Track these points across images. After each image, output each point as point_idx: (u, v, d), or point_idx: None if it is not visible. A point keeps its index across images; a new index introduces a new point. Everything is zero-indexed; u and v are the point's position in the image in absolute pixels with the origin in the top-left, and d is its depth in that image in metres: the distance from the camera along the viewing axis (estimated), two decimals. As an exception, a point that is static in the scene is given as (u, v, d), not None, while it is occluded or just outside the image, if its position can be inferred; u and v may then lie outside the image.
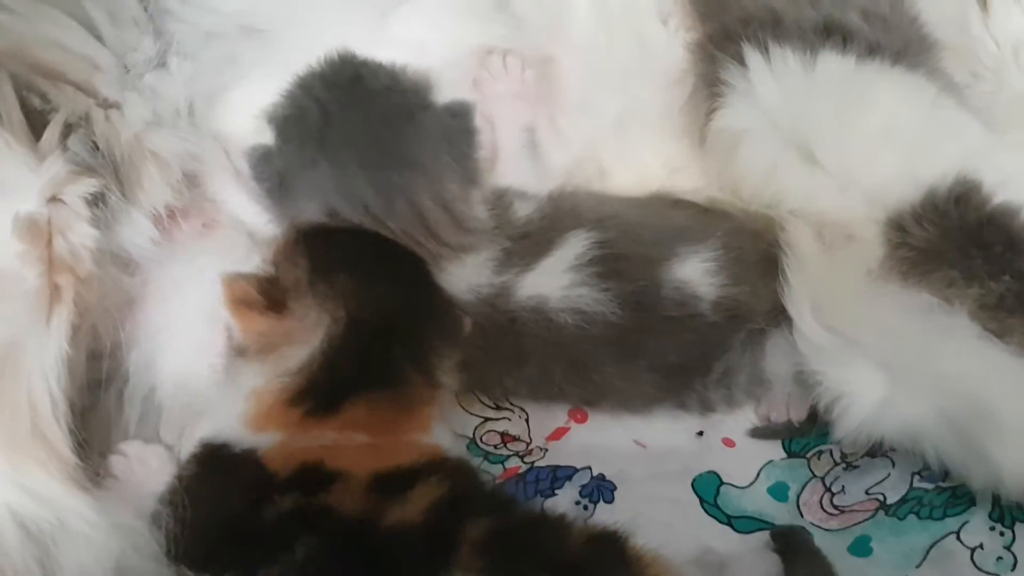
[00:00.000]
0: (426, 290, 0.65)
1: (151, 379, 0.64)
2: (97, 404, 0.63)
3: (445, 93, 0.71)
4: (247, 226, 0.70)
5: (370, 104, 0.68)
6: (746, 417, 0.75)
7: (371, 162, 0.67)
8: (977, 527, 0.64)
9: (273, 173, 0.68)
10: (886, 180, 0.65)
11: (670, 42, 0.78)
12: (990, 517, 0.64)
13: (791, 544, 0.64)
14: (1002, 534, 0.63)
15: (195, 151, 0.67)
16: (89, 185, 0.60)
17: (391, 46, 0.72)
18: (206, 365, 0.66)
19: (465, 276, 0.69)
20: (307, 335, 0.59)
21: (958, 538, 0.63)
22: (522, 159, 0.77)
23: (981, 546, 0.63)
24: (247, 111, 0.68)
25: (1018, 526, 0.63)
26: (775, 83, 0.70)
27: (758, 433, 0.74)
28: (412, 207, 0.67)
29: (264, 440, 0.58)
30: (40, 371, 0.57)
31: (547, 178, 0.78)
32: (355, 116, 0.68)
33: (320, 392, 0.58)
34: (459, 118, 0.70)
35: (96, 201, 0.60)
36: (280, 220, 0.69)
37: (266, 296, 0.60)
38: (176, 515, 0.56)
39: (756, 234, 0.74)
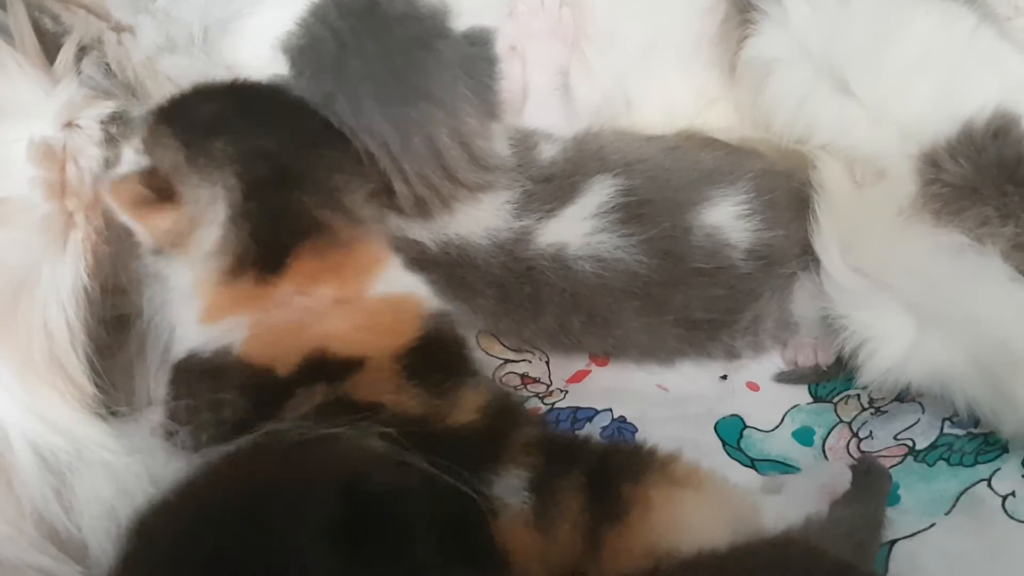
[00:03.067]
0: (308, 128, 0.63)
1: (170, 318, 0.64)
2: (120, 341, 0.63)
3: (466, 20, 0.69)
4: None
5: (386, 33, 0.67)
6: (772, 361, 0.75)
7: (387, 96, 0.66)
8: (1009, 474, 0.63)
9: None
10: (921, 112, 0.64)
11: None
12: (1023, 464, 0.63)
13: (873, 473, 0.62)
14: (1035, 481, 0.63)
15: (210, 77, 0.66)
16: (105, 107, 0.60)
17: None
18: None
19: (481, 218, 0.68)
20: (209, 213, 0.57)
21: (989, 485, 0.63)
22: (553, 102, 0.77)
23: (1013, 493, 0.62)
24: (262, 39, 0.68)
25: (1051, 473, 0.62)
26: (809, 9, 0.69)
27: (784, 377, 0.74)
28: (429, 144, 0.66)
29: (230, 332, 0.56)
30: (56, 298, 0.58)
31: (576, 119, 0.77)
32: (371, 46, 0.67)
33: (257, 254, 0.57)
34: (479, 46, 0.69)
35: (113, 122, 0.60)
36: None
37: (154, 190, 0.58)
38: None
39: (788, 174, 0.73)
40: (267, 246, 0.57)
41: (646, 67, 0.78)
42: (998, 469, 0.63)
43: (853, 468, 0.60)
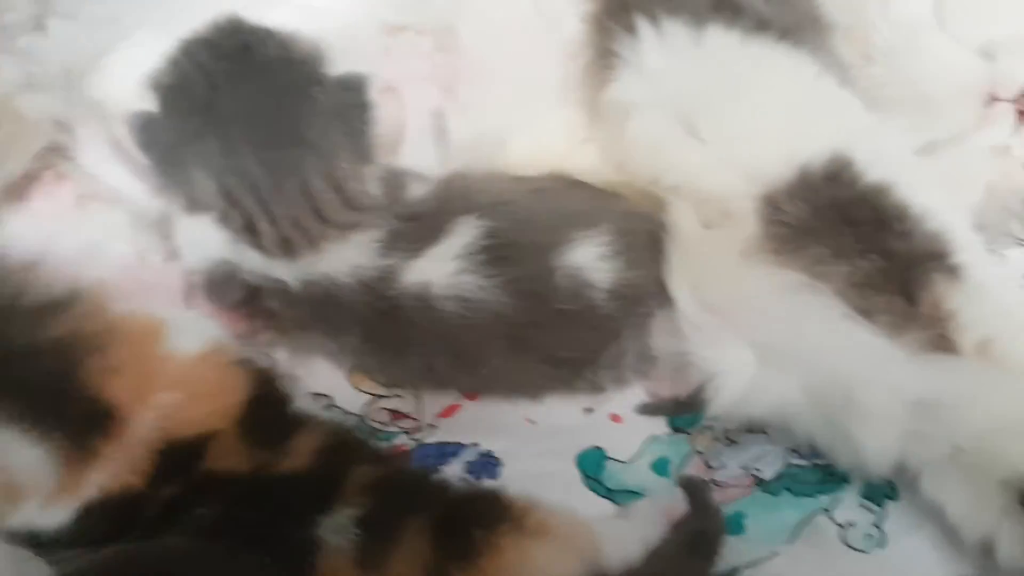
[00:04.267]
0: None
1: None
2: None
3: (341, 64, 0.71)
4: (126, 199, 0.69)
5: (260, 76, 0.68)
6: (635, 393, 0.77)
7: (260, 139, 0.67)
8: (848, 504, 0.67)
9: (159, 144, 0.67)
10: (763, 156, 0.67)
11: (571, 13, 0.78)
12: (861, 495, 0.67)
13: (699, 489, 0.66)
14: (872, 512, 0.67)
15: (70, 117, 0.66)
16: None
17: (286, 8, 0.72)
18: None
19: (348, 256, 0.69)
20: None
21: (829, 515, 0.66)
22: (428, 142, 0.78)
23: (851, 523, 0.66)
24: (130, 75, 0.67)
25: (888, 504, 0.66)
26: (663, 55, 0.71)
27: (645, 409, 0.76)
28: (302, 187, 0.67)
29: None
30: None
31: (450, 159, 0.79)
32: (244, 89, 0.67)
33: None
34: (353, 91, 0.70)
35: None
36: (170, 192, 0.68)
37: None
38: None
39: (649, 216, 0.75)
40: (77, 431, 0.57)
41: (518, 108, 0.80)
42: (838, 499, 0.67)
43: (683, 487, 0.62)
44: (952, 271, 0.63)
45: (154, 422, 0.58)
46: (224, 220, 0.66)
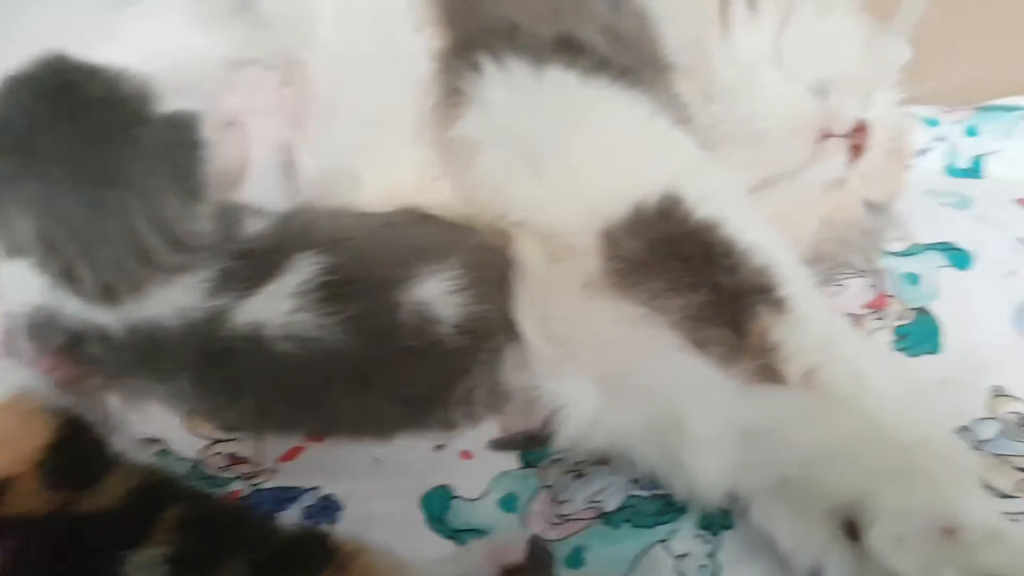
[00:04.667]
0: None
1: None
2: None
3: (178, 100, 0.68)
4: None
5: (83, 116, 0.65)
6: (488, 429, 0.76)
7: (81, 180, 0.64)
8: (685, 535, 0.67)
9: None
10: (600, 193, 0.68)
11: (421, 50, 0.78)
12: (698, 525, 0.68)
13: (541, 557, 0.65)
14: (707, 542, 0.67)
15: None
16: None
17: (120, 45, 0.69)
18: None
19: (175, 298, 0.66)
20: None
21: (666, 546, 0.67)
22: (273, 178, 0.77)
23: (687, 554, 0.66)
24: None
25: (724, 534, 0.67)
26: (506, 94, 0.72)
27: (497, 444, 0.76)
28: (125, 229, 0.64)
29: None
30: None
31: (299, 195, 0.78)
32: (66, 129, 0.64)
33: None
34: (182, 130, 0.67)
35: None
36: None
37: None
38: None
39: (499, 249, 0.75)
40: None
41: (370, 144, 0.79)
42: (675, 530, 0.67)
43: (529, 542, 0.62)
44: (777, 304, 0.64)
45: None
46: (43, 265, 0.63)
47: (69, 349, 0.66)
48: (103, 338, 0.66)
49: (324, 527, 0.66)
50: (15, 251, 0.63)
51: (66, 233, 0.62)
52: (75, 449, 0.59)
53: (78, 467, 0.57)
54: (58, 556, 0.52)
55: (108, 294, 0.64)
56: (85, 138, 0.64)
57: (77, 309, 0.65)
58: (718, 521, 0.67)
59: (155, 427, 0.72)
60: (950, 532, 0.56)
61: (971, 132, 1.11)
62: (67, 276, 0.63)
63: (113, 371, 0.68)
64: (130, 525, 0.55)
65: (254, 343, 0.67)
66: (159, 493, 0.58)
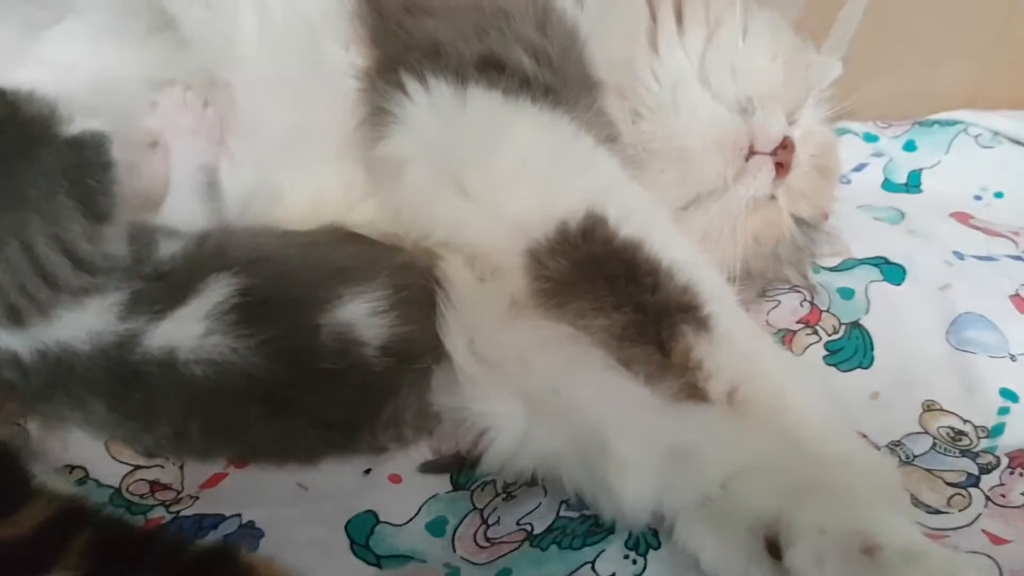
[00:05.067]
0: None
1: None
2: None
3: (92, 122, 0.66)
4: None
5: None
6: (419, 451, 0.76)
7: None
8: (612, 556, 0.67)
9: None
10: (524, 213, 0.68)
11: (345, 69, 0.78)
12: (626, 545, 0.67)
13: None
14: (635, 562, 0.67)
15: None
16: None
17: (35, 67, 0.69)
18: None
19: (85, 322, 0.65)
20: None
21: (593, 568, 0.66)
22: (195, 197, 0.76)
23: (614, 574, 0.65)
24: None
25: (651, 554, 0.66)
26: (430, 114, 0.72)
27: (427, 467, 0.75)
28: (26, 252, 0.62)
29: None
30: None
31: (222, 214, 0.77)
32: None
33: None
34: (88, 151, 0.65)
35: None
36: None
37: None
38: None
39: (426, 269, 0.75)
40: None
41: (294, 162, 0.79)
42: (603, 551, 0.66)
43: None
44: (700, 322, 0.65)
45: None
46: (-53, 289, 0.62)
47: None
48: (14, 363, 0.64)
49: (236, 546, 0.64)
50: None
51: None
52: None
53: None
54: None
55: (14, 317, 0.63)
56: (-17, 160, 0.62)
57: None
58: (645, 541, 0.66)
59: (77, 454, 0.70)
60: (869, 551, 0.55)
61: (909, 147, 1.13)
62: None
63: (28, 397, 0.67)
64: (41, 552, 0.55)
65: (167, 367, 0.66)
66: (72, 520, 0.57)
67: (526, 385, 0.68)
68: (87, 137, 0.64)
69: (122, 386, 0.66)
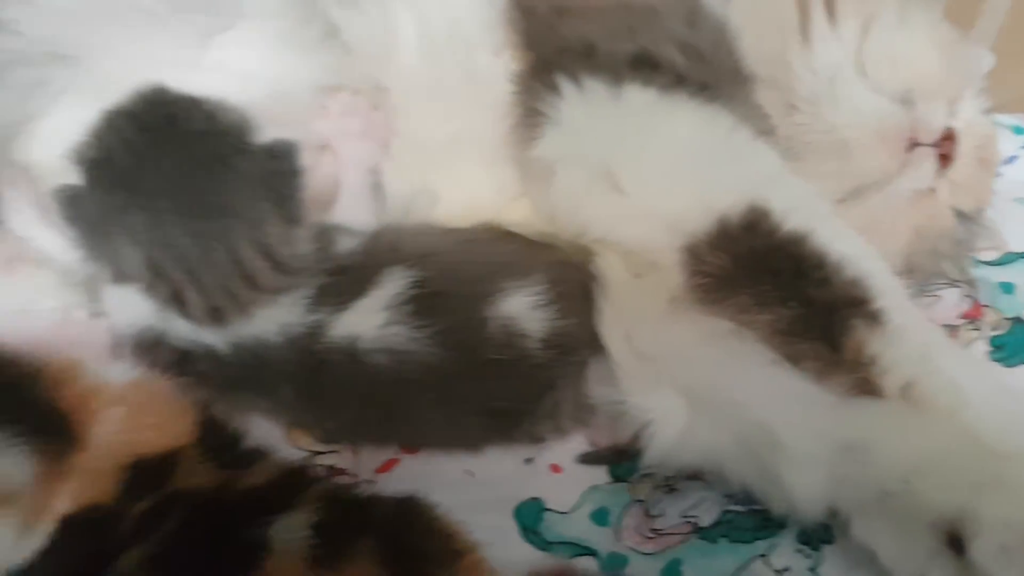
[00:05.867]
0: None
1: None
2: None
3: (273, 127, 0.70)
4: (56, 263, 0.69)
5: (184, 148, 0.67)
6: (576, 443, 0.77)
7: (186, 210, 0.66)
8: (785, 550, 0.68)
9: (85, 217, 0.66)
10: (682, 208, 0.69)
11: (500, 73, 0.80)
12: (798, 540, 0.68)
13: None
14: (808, 556, 0.68)
15: (-2, 180, 0.67)
16: None
17: (213, 75, 0.72)
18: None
19: (276, 316, 0.69)
20: None
21: (766, 561, 0.67)
22: (363, 199, 0.80)
23: (788, 568, 0.66)
24: (55, 144, 0.68)
25: (824, 548, 0.67)
26: (584, 113, 0.73)
27: (586, 459, 0.77)
28: (230, 256, 0.67)
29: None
30: None
31: (385, 214, 0.80)
32: (169, 160, 0.66)
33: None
34: (280, 159, 0.69)
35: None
36: (98, 263, 0.67)
37: None
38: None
39: (581, 265, 0.76)
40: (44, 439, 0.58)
41: (451, 164, 0.81)
42: (775, 545, 0.68)
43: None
44: (872, 317, 0.64)
45: (111, 436, 0.59)
46: (150, 290, 0.66)
47: (176, 367, 0.69)
48: (210, 356, 0.69)
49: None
50: (123, 278, 0.66)
51: (173, 261, 0.65)
52: (222, 430, 0.63)
53: (230, 447, 0.62)
54: (216, 525, 0.57)
55: (215, 316, 0.67)
56: (188, 170, 0.66)
57: (184, 330, 0.68)
58: (818, 535, 0.67)
59: (258, 439, 0.73)
60: (1056, 543, 0.55)
61: (1058, 138, 1.09)
62: (175, 301, 0.66)
63: (219, 385, 0.70)
64: (282, 496, 0.60)
65: (350, 356, 0.69)
66: (300, 474, 0.63)
67: (687, 380, 0.69)
68: (279, 146, 0.68)
69: (308, 374, 0.70)
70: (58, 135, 0.68)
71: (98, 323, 0.72)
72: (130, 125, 0.66)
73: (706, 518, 0.70)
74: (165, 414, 0.62)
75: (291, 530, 0.58)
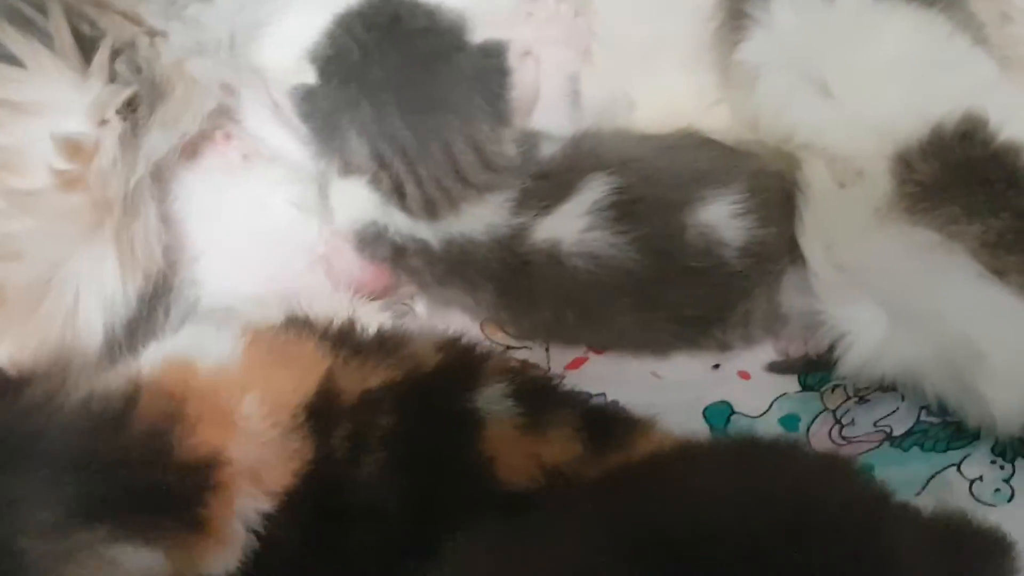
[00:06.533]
0: None
1: (196, 293, 0.72)
2: (141, 315, 0.71)
3: (482, 31, 0.76)
4: (287, 158, 0.76)
5: (408, 45, 0.74)
6: (764, 351, 0.80)
7: (408, 104, 0.73)
8: (978, 460, 0.69)
9: (318, 112, 0.73)
10: (894, 114, 0.69)
11: None
12: (992, 451, 0.69)
13: None
14: (1002, 467, 0.68)
15: (235, 82, 0.74)
16: (129, 100, 0.67)
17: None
18: (247, 288, 0.73)
19: (484, 216, 0.74)
20: None
21: (958, 470, 0.68)
22: (562, 105, 0.83)
23: (980, 478, 0.68)
24: (288, 46, 0.74)
25: (1019, 461, 0.68)
26: (795, 15, 0.73)
27: (775, 367, 0.79)
28: (445, 150, 0.73)
29: None
30: (91, 290, 0.64)
31: (581, 119, 0.83)
32: (393, 57, 0.73)
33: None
34: (493, 58, 0.75)
35: (137, 120, 0.67)
36: (326, 157, 0.75)
37: None
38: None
39: (780, 174, 0.78)
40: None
41: (649, 70, 0.84)
42: (968, 455, 0.69)
43: None
44: (1087, 232, 0.63)
45: (264, 423, 0.58)
46: (375, 183, 0.73)
47: (392, 261, 0.76)
48: (423, 251, 0.75)
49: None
50: (350, 171, 0.73)
51: (395, 153, 0.72)
52: (355, 331, 0.65)
53: (378, 342, 0.64)
54: (421, 411, 0.61)
55: (430, 210, 0.73)
56: (411, 65, 0.72)
57: (403, 224, 0.74)
58: (1014, 448, 0.68)
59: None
60: None
61: None
62: (396, 192, 0.73)
63: (427, 282, 0.77)
64: (460, 372, 0.63)
65: (551, 258, 0.74)
66: (467, 349, 0.66)
67: (888, 292, 0.70)
68: (491, 44, 0.73)
69: (511, 273, 0.75)
70: (292, 39, 0.75)
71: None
72: (360, 24, 0.73)
73: (899, 427, 0.72)
74: (293, 358, 0.62)
75: (493, 401, 0.62)
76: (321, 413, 0.59)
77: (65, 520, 0.52)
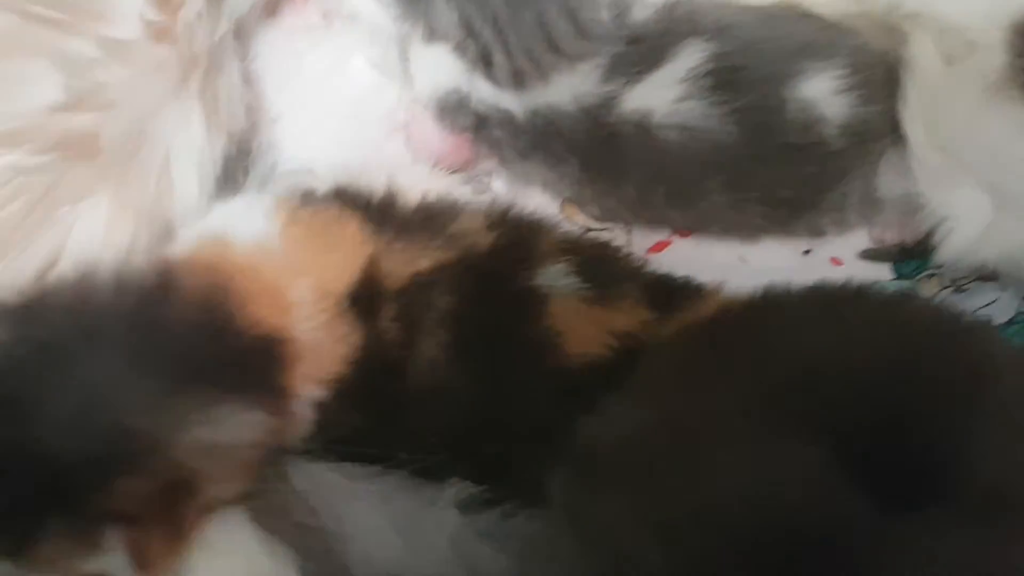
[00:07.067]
0: None
1: (274, 156, 0.72)
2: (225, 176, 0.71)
3: None
4: (368, 20, 0.74)
5: None
6: (857, 237, 0.78)
7: None
8: (1079, 350, 0.67)
9: None
10: None
11: None
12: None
13: None
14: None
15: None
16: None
17: None
18: (325, 153, 0.73)
19: (572, 84, 0.72)
20: None
21: (1061, 356, 0.66)
22: None
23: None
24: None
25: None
26: None
27: (869, 255, 0.78)
28: (538, 18, 0.70)
29: None
30: (181, 145, 0.64)
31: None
32: None
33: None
34: None
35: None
36: (410, 20, 0.72)
37: None
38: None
39: (883, 51, 0.74)
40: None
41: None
42: (1070, 344, 0.67)
43: None
44: None
45: (311, 313, 0.58)
46: (460, 50, 0.71)
47: (473, 131, 0.75)
48: (507, 122, 0.73)
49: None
50: (436, 36, 0.71)
51: (485, 20, 0.69)
52: (395, 205, 0.65)
53: (422, 219, 0.64)
54: (480, 291, 0.61)
55: (517, 80, 0.71)
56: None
57: (487, 93, 0.73)
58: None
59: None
60: None
61: None
62: (482, 61, 0.71)
63: (508, 155, 0.76)
64: (520, 252, 0.64)
65: (641, 129, 0.71)
66: (519, 223, 0.67)
67: (994, 175, 0.67)
68: None
69: (598, 147, 0.73)
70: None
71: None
72: None
73: (999, 316, 0.71)
74: (335, 242, 0.61)
75: (556, 277, 0.62)
76: (366, 297, 0.59)
77: (159, 393, 0.53)
